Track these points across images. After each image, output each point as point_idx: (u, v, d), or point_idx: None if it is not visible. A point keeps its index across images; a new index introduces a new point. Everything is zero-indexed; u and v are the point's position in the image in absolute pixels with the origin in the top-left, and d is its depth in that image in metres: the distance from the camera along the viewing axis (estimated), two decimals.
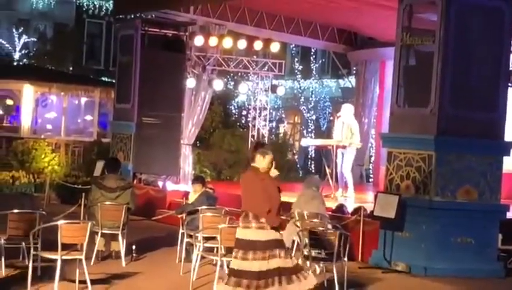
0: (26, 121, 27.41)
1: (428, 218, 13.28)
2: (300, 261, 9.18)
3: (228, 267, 9.19)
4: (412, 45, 13.90)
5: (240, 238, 8.90)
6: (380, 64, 22.89)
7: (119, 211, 12.81)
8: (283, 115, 37.20)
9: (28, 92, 27.34)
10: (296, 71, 35.94)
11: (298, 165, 30.85)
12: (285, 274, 8.74)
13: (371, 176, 24.11)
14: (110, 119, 23.90)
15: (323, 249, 11.22)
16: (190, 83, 20.89)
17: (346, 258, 11.05)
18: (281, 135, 34.33)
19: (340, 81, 33.99)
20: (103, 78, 34.88)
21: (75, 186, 20.15)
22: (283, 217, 12.23)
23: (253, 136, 23.12)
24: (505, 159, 13.92)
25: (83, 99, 29.77)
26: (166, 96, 20.59)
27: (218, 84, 21.37)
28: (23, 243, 11.42)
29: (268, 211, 8.81)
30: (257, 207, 8.83)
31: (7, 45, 38.77)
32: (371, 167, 24.57)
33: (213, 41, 20.52)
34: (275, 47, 21.48)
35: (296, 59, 36.38)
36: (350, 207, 15.27)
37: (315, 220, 12.42)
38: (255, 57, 22.98)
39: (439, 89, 13.18)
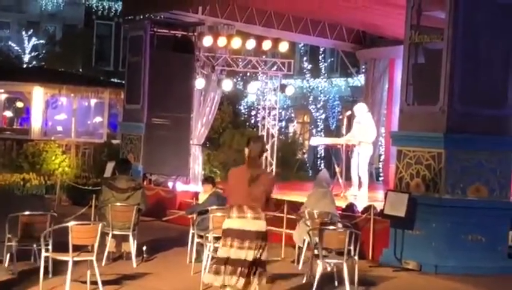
0: (36, 123, 27.47)
1: (438, 216, 13.27)
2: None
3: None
4: (420, 42, 13.90)
5: (235, 228, 8.76)
6: (389, 63, 22.85)
7: (130, 212, 12.82)
8: (292, 115, 37.21)
9: (38, 94, 27.39)
10: (305, 70, 35.92)
11: (308, 164, 30.85)
12: (262, 267, 8.77)
13: (381, 174, 24.08)
14: (120, 120, 23.94)
15: (334, 248, 11.24)
16: (199, 83, 20.89)
17: (356, 257, 11.05)
18: (291, 134, 34.37)
19: (349, 79, 33.94)
20: (113, 80, 34.93)
21: (86, 187, 20.22)
22: (294, 217, 12.27)
23: (262, 135, 23.09)
24: None
25: (93, 101, 29.82)
26: (175, 96, 20.64)
27: (227, 85, 21.35)
28: (35, 245, 11.45)
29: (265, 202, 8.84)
30: (253, 200, 8.78)
31: (17, 48, 38.94)
32: (380, 166, 24.53)
33: (222, 41, 20.50)
34: (283, 46, 21.43)
35: (305, 58, 36.35)
36: (360, 206, 15.28)
37: (325, 219, 12.44)
38: (263, 56, 22.93)
39: (448, 87, 13.18)
